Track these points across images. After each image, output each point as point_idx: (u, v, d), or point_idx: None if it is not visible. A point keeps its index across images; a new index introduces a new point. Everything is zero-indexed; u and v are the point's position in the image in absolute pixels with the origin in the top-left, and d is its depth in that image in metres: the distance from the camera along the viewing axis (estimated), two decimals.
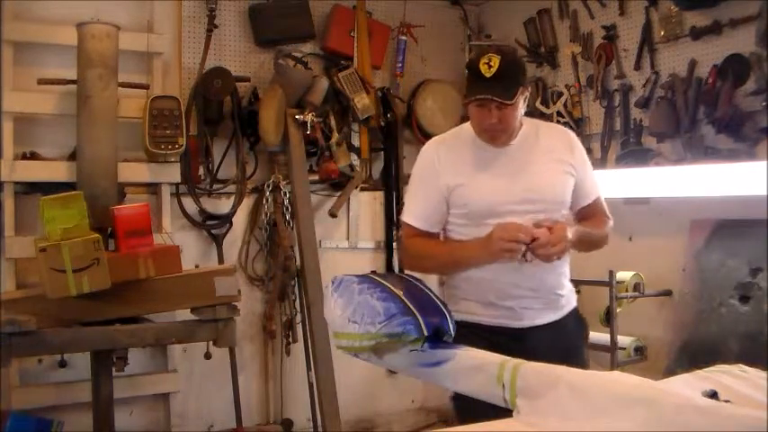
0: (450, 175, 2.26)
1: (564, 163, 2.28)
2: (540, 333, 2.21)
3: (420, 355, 1.90)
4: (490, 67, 2.12)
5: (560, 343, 2.20)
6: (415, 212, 2.31)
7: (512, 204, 2.20)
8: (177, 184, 3.69)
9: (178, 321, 3.20)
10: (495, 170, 2.25)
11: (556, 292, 2.27)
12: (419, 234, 2.31)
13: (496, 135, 2.22)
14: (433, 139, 2.42)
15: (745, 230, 3.14)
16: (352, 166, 4.09)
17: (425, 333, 1.89)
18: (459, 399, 2.06)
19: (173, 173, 3.62)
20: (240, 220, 3.92)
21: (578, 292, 3.70)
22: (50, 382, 3.37)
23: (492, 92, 2.11)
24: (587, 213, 2.38)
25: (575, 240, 2.15)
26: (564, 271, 2.31)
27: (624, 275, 3.39)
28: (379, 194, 4.35)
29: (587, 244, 2.31)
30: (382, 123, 4.21)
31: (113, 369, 3.04)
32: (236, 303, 3.05)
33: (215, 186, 3.83)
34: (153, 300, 2.97)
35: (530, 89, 2.34)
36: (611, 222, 2.41)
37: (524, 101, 2.22)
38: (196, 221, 3.78)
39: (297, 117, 3.80)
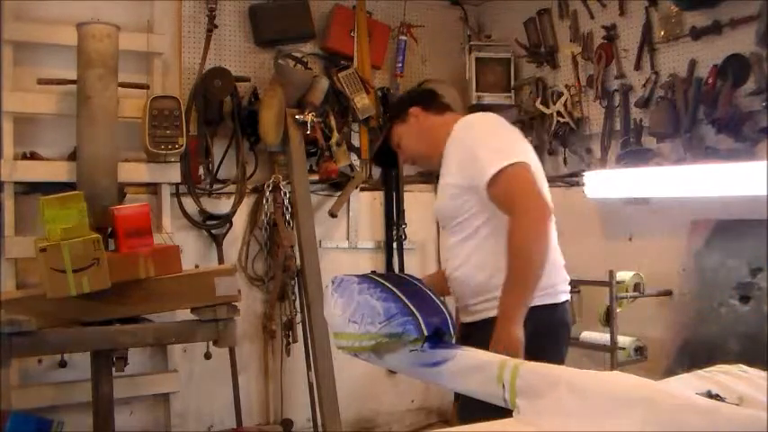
0: None
1: (447, 182, 2.26)
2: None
3: (420, 355, 1.90)
4: None
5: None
6: None
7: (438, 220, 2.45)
8: (177, 184, 3.69)
9: (178, 321, 3.20)
10: None
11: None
12: None
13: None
14: None
15: (745, 230, 3.14)
16: (352, 166, 4.09)
17: (425, 333, 1.89)
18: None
19: (173, 173, 3.62)
20: (240, 220, 3.91)
21: (578, 291, 3.76)
22: (50, 382, 3.36)
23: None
24: (500, 209, 2.12)
25: (513, 307, 2.03)
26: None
27: (624, 275, 3.39)
28: (379, 194, 4.34)
29: (518, 280, 2.05)
30: (382, 123, 4.21)
31: (113, 369, 3.03)
32: (236, 303, 3.05)
33: (215, 186, 3.83)
34: (153, 300, 2.96)
35: (398, 130, 2.43)
36: (521, 215, 2.03)
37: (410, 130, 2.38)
38: (196, 221, 3.78)
39: (297, 117, 3.80)
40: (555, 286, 2.23)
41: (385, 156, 2.55)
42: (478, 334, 2.12)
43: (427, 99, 2.46)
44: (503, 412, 1.61)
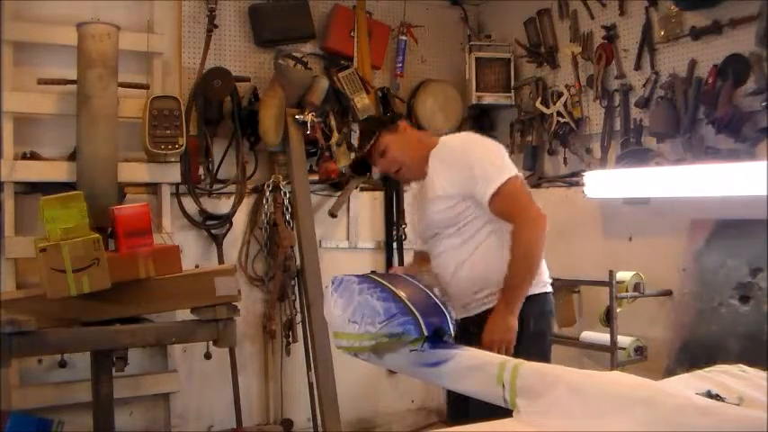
0: None
1: (441, 195, 2.42)
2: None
3: (420, 355, 1.90)
4: None
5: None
6: None
7: (423, 230, 2.58)
8: (177, 184, 3.69)
9: (178, 321, 3.21)
10: (421, 200, 2.61)
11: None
12: None
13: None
14: None
15: (745, 230, 3.14)
16: None
17: (425, 333, 1.89)
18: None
19: (173, 173, 3.62)
20: (240, 220, 3.91)
21: (578, 292, 3.76)
22: (50, 382, 3.37)
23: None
24: (502, 219, 2.39)
25: (515, 299, 2.29)
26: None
27: (624, 275, 3.39)
28: (379, 194, 4.34)
29: (522, 278, 2.32)
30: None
31: (113, 369, 3.03)
32: (236, 303, 3.05)
33: (215, 186, 3.83)
34: (153, 300, 2.96)
35: (385, 138, 2.58)
36: (525, 225, 2.33)
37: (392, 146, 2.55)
38: (196, 221, 3.78)
39: (297, 117, 3.80)
40: (545, 276, 2.50)
41: (363, 163, 2.78)
42: (476, 328, 2.35)
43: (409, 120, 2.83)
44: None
